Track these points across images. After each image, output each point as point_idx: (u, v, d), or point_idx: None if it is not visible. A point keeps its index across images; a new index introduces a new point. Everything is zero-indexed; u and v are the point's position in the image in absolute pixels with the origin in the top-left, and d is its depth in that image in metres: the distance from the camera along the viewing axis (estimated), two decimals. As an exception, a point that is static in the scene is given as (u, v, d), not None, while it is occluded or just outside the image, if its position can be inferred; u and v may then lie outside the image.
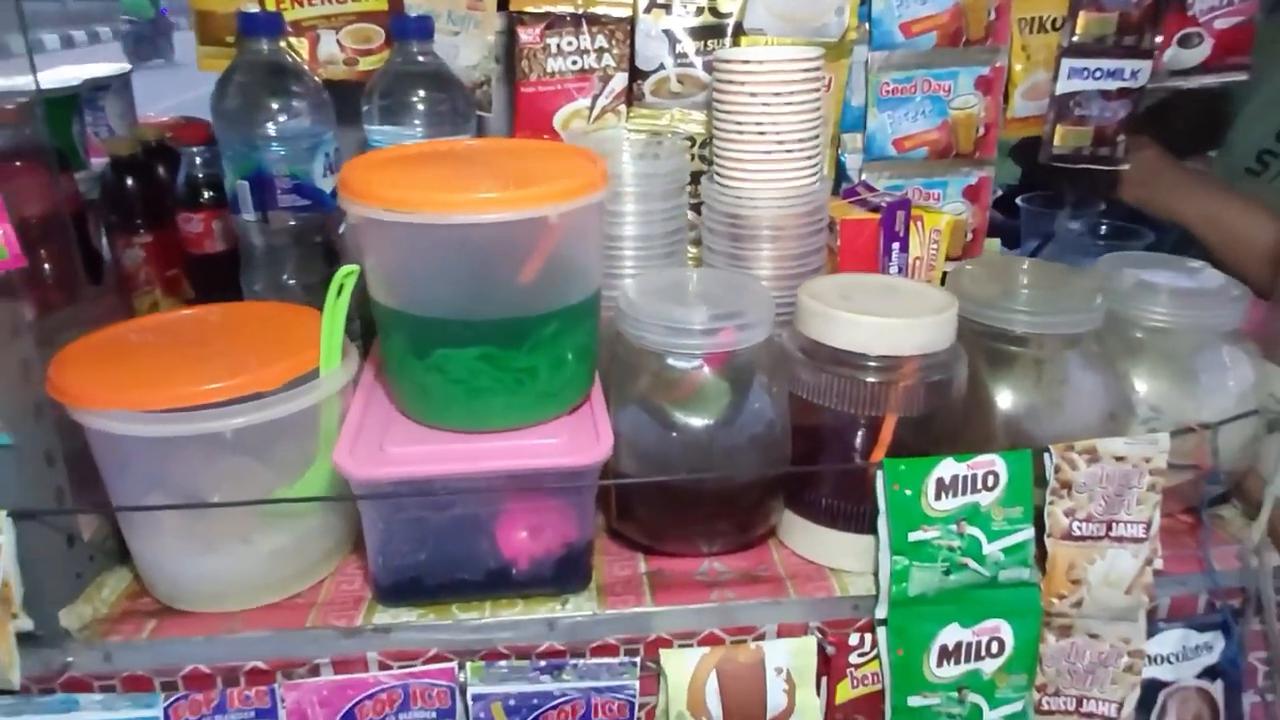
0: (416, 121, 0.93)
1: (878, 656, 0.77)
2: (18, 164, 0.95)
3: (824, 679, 0.78)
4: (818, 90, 0.89)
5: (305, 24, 1.00)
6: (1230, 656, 0.82)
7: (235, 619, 0.74)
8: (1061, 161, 1.09)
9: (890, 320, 0.75)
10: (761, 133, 0.88)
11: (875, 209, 0.95)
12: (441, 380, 0.73)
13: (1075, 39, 1.04)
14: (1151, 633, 0.79)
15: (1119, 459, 0.75)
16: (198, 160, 1.04)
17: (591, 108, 1.05)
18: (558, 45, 1.02)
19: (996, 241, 1.26)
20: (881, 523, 0.74)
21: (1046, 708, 0.79)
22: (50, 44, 10.25)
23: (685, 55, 1.03)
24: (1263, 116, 1.29)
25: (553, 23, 1.02)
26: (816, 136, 0.91)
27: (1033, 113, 1.11)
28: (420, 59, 0.95)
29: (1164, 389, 0.83)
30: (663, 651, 0.75)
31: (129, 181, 1.10)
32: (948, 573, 0.75)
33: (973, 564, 0.75)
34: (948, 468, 0.74)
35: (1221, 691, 0.83)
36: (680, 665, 0.75)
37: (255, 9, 0.97)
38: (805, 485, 0.80)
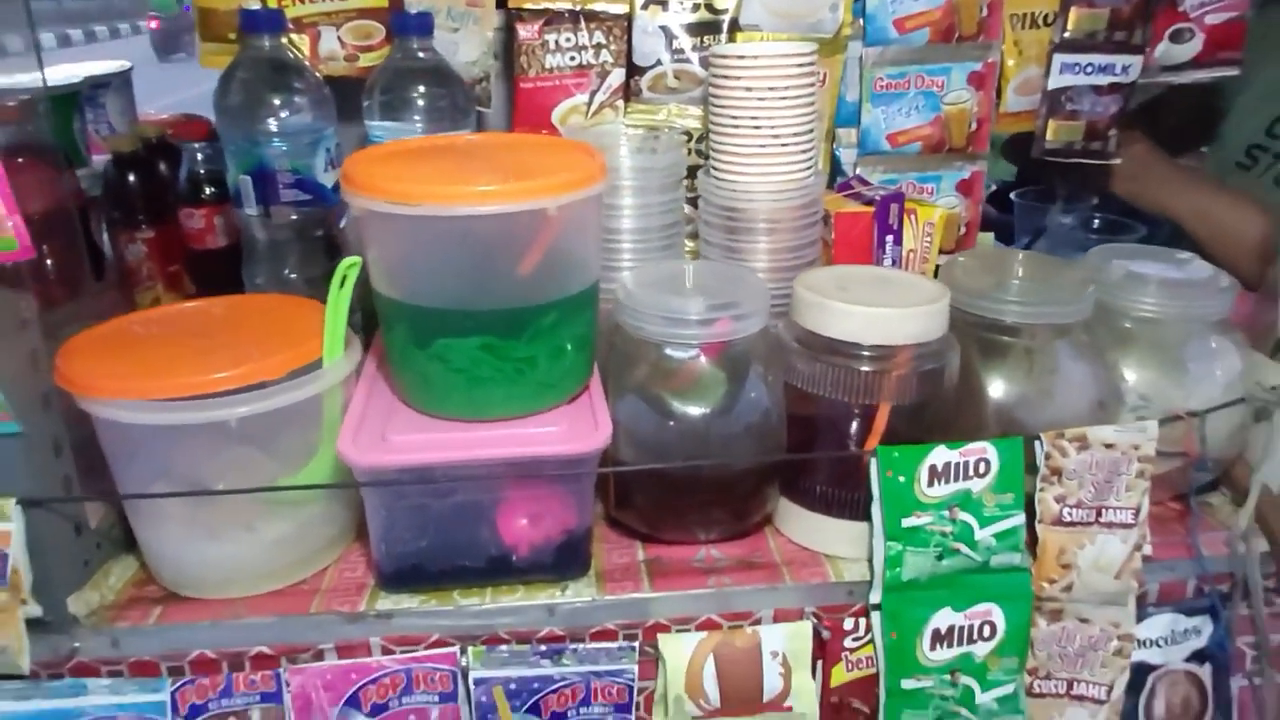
0: (416, 117, 0.94)
1: (872, 640, 0.78)
2: (20, 160, 0.95)
3: (819, 663, 0.79)
4: (812, 85, 0.91)
5: (306, 20, 1.01)
6: (1218, 640, 0.83)
7: (240, 605, 0.75)
8: (1054, 156, 1.10)
9: (884, 310, 0.76)
10: (757, 127, 0.89)
11: (869, 202, 0.96)
12: (443, 370, 0.75)
13: (1067, 34, 1.05)
14: (1141, 617, 0.81)
15: (1108, 446, 0.77)
16: (199, 156, 1.05)
17: (589, 103, 1.06)
18: (556, 41, 1.03)
19: (990, 236, 1.27)
20: (875, 509, 0.76)
21: (1038, 690, 0.80)
22: (47, 43, 10.26)
23: (682, 51, 1.04)
24: (1254, 112, 1.30)
25: (551, 19, 1.03)
26: (811, 131, 0.92)
27: (1025, 108, 1.12)
28: (420, 55, 0.96)
29: (1153, 378, 0.85)
30: (661, 636, 0.77)
31: (131, 178, 1.10)
32: (940, 558, 0.76)
33: (965, 549, 0.76)
34: (940, 455, 0.75)
35: (1209, 674, 0.84)
36: (678, 650, 0.77)
37: (257, 6, 0.98)
38: (800, 473, 0.81)
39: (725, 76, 0.90)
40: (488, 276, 0.74)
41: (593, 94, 1.06)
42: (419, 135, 0.93)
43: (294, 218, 0.94)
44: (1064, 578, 0.78)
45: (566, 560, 0.78)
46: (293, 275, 0.96)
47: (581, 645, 0.76)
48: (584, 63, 1.04)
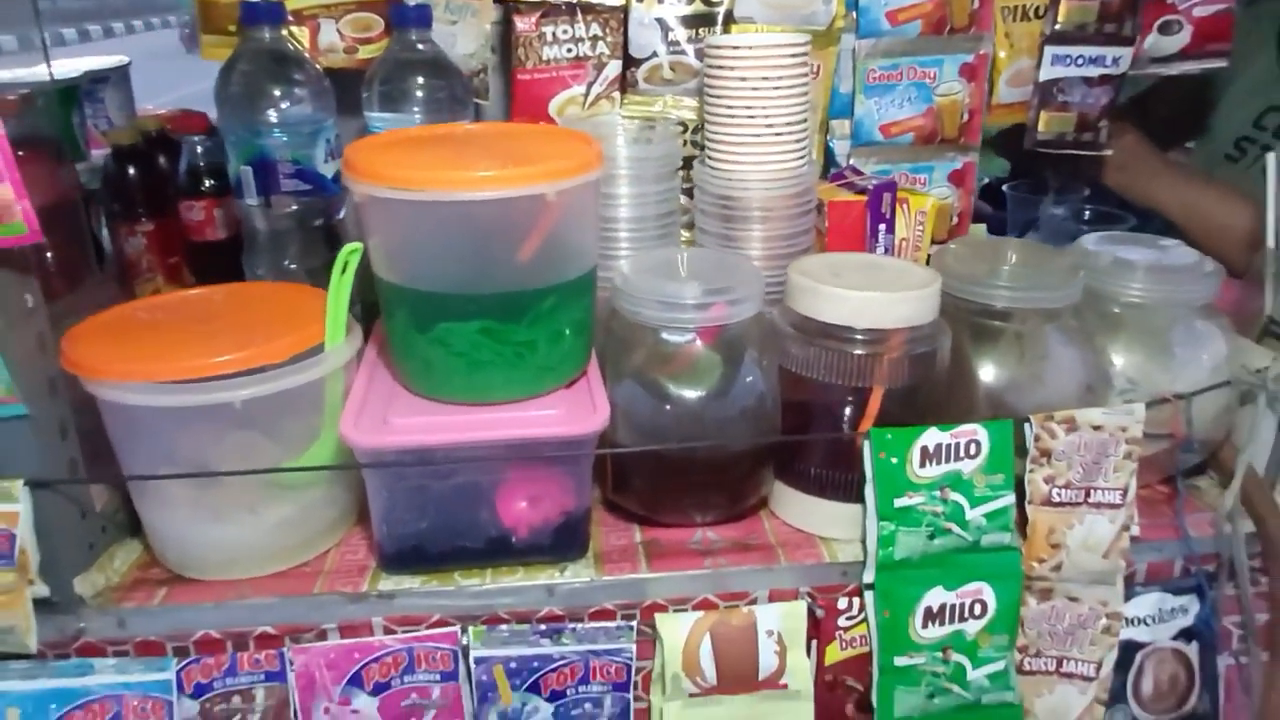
0: (415, 108, 0.95)
1: (865, 619, 0.79)
2: (21, 153, 0.96)
3: (814, 641, 0.81)
4: (806, 75, 0.92)
5: (306, 13, 1.02)
6: (1205, 619, 0.85)
7: (244, 586, 0.76)
8: (1045, 147, 1.11)
9: (876, 294, 0.77)
10: (751, 116, 0.91)
11: (862, 191, 0.98)
12: (443, 353, 0.76)
13: (1057, 26, 1.06)
14: (1129, 596, 0.82)
15: (1096, 428, 0.78)
16: (198, 149, 1.06)
17: (586, 94, 1.07)
18: (553, 33, 1.05)
19: (982, 228, 1.29)
20: (868, 490, 0.77)
21: (1028, 668, 0.82)
22: (69, 38, 10.35)
23: (677, 43, 1.05)
24: (1242, 104, 1.32)
25: (548, 11, 1.04)
26: (805, 120, 0.93)
27: (1017, 99, 1.14)
28: (419, 47, 0.97)
29: (1140, 362, 0.86)
30: (658, 616, 0.78)
31: (130, 171, 1.11)
32: (932, 537, 0.77)
33: (956, 529, 0.78)
34: (932, 437, 0.77)
35: (1196, 652, 0.86)
36: (675, 629, 0.78)
37: (257, -2, 0.99)
38: (795, 456, 0.83)
39: (720, 67, 0.91)
40: (488, 261, 0.75)
41: (589, 86, 1.07)
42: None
43: (294, 208, 0.95)
44: (1053, 557, 0.79)
45: (565, 542, 0.79)
46: (293, 265, 0.97)
47: (580, 625, 0.78)
48: (580, 55, 1.06)
